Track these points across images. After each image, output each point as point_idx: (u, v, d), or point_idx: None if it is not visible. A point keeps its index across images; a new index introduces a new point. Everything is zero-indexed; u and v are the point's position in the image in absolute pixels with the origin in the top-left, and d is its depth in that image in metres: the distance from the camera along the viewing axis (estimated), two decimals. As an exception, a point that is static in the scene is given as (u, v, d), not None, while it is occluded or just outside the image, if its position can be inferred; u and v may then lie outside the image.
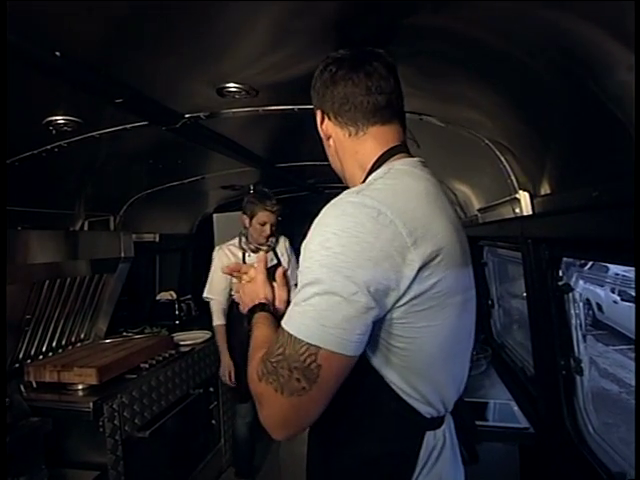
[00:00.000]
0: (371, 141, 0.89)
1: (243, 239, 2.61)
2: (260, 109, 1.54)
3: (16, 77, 1.09)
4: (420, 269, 0.71)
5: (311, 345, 0.68)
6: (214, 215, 3.78)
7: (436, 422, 0.85)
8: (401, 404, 0.80)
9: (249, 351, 0.85)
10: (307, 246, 0.73)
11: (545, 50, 0.89)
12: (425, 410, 0.82)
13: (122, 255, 2.59)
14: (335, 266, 0.68)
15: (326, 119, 0.93)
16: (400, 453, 0.82)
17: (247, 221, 2.51)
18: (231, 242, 2.67)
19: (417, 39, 1.06)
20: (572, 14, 0.73)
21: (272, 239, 2.61)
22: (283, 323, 0.73)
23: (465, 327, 0.86)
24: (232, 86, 1.32)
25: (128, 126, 1.61)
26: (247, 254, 2.58)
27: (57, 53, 1.00)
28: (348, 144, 0.91)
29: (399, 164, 0.85)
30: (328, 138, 0.95)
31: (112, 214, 2.69)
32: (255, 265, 1.09)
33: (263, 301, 1.01)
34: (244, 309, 1.05)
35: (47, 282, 2.19)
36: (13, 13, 0.83)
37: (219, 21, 0.96)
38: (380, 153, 0.88)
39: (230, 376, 2.55)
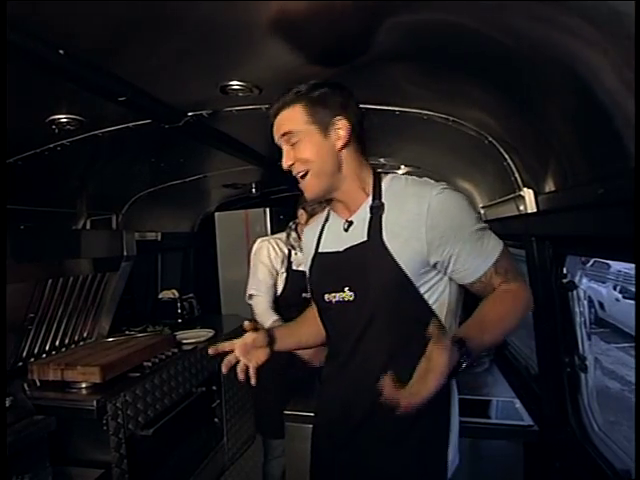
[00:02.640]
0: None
1: (293, 234, 2.28)
2: (263, 107, 1.53)
3: (19, 75, 1.09)
4: None
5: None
6: (216, 214, 3.78)
7: None
8: None
9: (490, 323, 0.97)
10: (465, 210, 1.03)
11: (549, 49, 0.89)
12: None
13: (124, 254, 2.59)
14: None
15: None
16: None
17: (304, 217, 2.15)
18: (277, 236, 2.36)
19: (421, 37, 1.05)
20: (574, 14, 0.73)
21: None
22: (495, 255, 1.01)
23: None
24: (235, 84, 1.31)
25: (131, 124, 1.61)
26: (294, 252, 2.28)
27: (60, 51, 1.00)
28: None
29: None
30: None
31: (114, 213, 2.69)
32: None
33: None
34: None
35: (50, 281, 2.19)
36: (16, 11, 0.83)
37: (223, 19, 0.96)
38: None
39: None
